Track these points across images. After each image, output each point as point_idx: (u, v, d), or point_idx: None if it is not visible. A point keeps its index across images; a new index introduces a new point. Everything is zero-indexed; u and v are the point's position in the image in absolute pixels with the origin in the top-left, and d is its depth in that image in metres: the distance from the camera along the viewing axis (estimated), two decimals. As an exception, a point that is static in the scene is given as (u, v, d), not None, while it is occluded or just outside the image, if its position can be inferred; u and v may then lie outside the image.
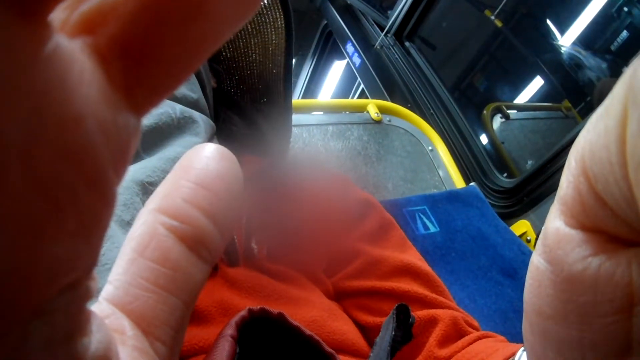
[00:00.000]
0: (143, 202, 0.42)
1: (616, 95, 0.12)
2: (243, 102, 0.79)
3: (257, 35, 0.75)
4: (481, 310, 0.86)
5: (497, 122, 1.62)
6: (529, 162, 1.38)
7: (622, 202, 0.12)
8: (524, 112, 1.70)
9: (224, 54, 0.79)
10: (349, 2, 1.98)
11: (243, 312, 0.37)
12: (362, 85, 1.79)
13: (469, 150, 1.35)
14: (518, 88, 1.75)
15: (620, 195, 0.12)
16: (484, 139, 1.52)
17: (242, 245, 0.59)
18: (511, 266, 0.96)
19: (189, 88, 0.59)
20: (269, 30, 0.73)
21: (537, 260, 0.15)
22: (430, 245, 0.97)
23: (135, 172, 0.46)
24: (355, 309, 0.63)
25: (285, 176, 0.71)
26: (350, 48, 1.88)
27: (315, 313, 0.55)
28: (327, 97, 3.13)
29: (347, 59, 1.90)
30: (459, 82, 1.89)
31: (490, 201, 1.19)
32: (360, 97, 2.25)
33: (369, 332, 0.61)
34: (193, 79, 0.62)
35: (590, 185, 0.13)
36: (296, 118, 1.08)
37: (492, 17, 1.82)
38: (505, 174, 1.35)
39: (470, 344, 0.53)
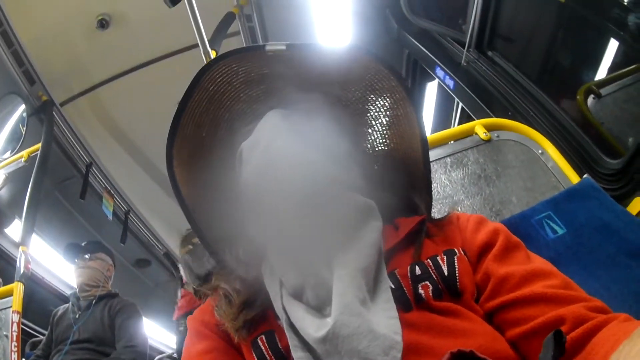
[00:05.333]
0: None
1: None
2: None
3: (392, 128, 0.90)
4: (616, 296, 0.90)
5: (591, 102, 1.61)
6: (630, 139, 1.43)
7: None
8: (612, 85, 1.63)
9: (364, 144, 0.95)
10: (423, 27, 2.09)
11: (447, 355, 0.52)
12: (460, 104, 1.91)
13: (574, 141, 1.47)
14: (598, 60, 1.69)
15: None
16: (584, 125, 1.57)
17: (411, 292, 0.70)
18: (637, 247, 0.99)
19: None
20: (402, 122, 0.87)
21: None
22: (561, 247, 1.03)
23: None
24: (499, 324, 0.70)
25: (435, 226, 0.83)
26: (440, 72, 1.98)
27: (481, 340, 0.64)
28: (429, 123, 3.17)
29: (439, 82, 2.02)
30: (544, 74, 1.86)
31: (604, 186, 1.30)
32: (461, 113, 2.35)
33: (517, 344, 0.67)
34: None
35: None
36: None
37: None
38: (611, 155, 1.44)
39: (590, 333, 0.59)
